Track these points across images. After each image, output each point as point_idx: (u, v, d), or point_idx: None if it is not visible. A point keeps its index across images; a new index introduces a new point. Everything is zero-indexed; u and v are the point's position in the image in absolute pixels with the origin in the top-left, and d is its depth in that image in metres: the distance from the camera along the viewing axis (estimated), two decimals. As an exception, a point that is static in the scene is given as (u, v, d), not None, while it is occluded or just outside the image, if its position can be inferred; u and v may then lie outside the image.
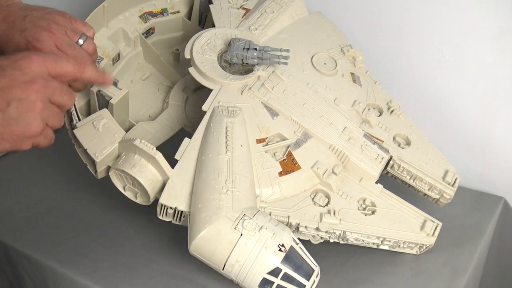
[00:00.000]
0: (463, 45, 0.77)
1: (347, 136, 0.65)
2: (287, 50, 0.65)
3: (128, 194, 0.61)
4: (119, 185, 0.60)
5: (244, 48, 0.65)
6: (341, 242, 0.62)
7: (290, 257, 0.54)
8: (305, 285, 0.53)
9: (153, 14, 0.78)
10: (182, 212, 0.57)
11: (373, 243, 0.63)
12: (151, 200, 0.59)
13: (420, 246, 0.64)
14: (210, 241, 0.53)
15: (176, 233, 0.68)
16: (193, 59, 0.65)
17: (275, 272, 0.52)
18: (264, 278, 0.52)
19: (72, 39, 0.57)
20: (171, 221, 0.59)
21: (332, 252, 0.65)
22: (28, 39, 0.55)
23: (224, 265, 0.53)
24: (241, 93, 0.65)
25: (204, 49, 0.67)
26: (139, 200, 0.60)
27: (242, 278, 0.53)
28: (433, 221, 0.63)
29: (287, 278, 0.53)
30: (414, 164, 0.67)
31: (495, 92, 0.78)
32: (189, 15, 0.81)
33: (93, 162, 0.59)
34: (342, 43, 0.76)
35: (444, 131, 0.84)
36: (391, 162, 0.67)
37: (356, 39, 0.86)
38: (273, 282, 0.53)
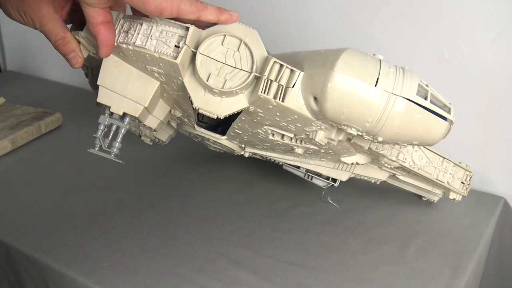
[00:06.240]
0: (463, 45, 0.77)
1: None
2: None
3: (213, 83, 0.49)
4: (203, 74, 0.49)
5: None
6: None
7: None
8: (450, 108, 0.47)
9: None
10: (286, 88, 0.48)
11: (435, 167, 0.67)
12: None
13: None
14: (357, 54, 0.46)
15: (176, 233, 0.68)
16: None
17: (423, 83, 0.46)
18: (419, 84, 0.45)
19: None
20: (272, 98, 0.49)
21: (332, 252, 0.65)
22: None
23: (379, 75, 0.44)
24: None
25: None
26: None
27: (400, 84, 0.45)
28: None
29: (433, 96, 0.46)
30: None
31: (495, 92, 0.78)
32: None
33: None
34: None
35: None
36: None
37: (355, 41, 0.86)
38: (427, 90, 0.46)
